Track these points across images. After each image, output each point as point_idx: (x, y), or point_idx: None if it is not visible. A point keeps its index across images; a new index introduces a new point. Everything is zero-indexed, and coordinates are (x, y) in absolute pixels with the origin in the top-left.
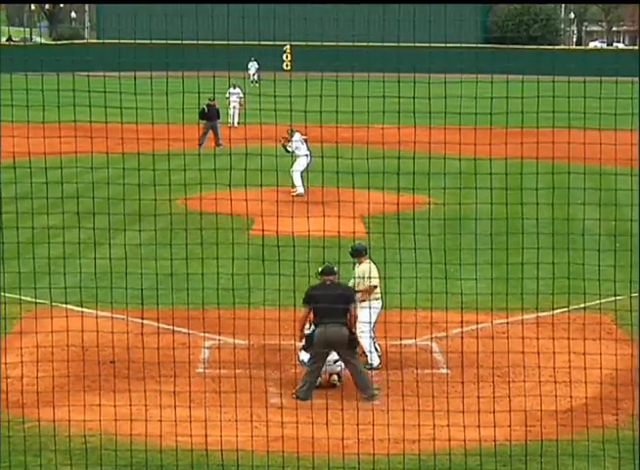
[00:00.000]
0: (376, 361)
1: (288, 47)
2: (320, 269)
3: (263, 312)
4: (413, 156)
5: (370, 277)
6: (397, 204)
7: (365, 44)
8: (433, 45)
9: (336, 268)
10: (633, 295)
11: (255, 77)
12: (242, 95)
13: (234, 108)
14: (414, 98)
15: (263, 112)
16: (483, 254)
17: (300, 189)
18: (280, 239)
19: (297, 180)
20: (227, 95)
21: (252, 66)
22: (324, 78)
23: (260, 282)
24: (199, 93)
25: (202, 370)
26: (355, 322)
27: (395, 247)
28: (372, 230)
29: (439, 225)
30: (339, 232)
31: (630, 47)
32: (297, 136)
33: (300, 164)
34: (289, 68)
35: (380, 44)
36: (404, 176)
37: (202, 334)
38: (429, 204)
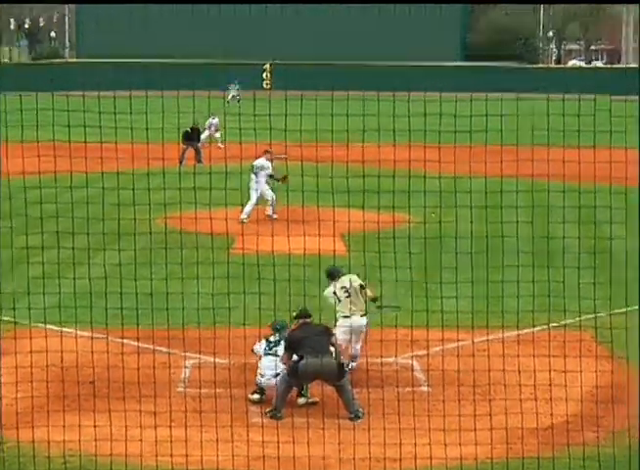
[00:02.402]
0: None
1: (268, 66)
2: (295, 314)
3: (244, 331)
4: (393, 174)
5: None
6: (378, 222)
7: (345, 62)
8: (413, 63)
9: (311, 312)
10: (613, 312)
11: (238, 96)
12: (218, 126)
13: (211, 136)
14: (394, 116)
15: (243, 131)
16: (464, 272)
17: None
18: (260, 258)
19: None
20: (207, 125)
21: (233, 87)
22: (304, 97)
23: (241, 301)
24: (178, 112)
25: (182, 390)
26: (340, 350)
27: (376, 265)
28: (352, 249)
29: (420, 244)
30: (319, 250)
31: (608, 65)
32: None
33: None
34: (268, 86)
35: (359, 63)
36: (384, 195)
37: (182, 353)
38: (409, 222)
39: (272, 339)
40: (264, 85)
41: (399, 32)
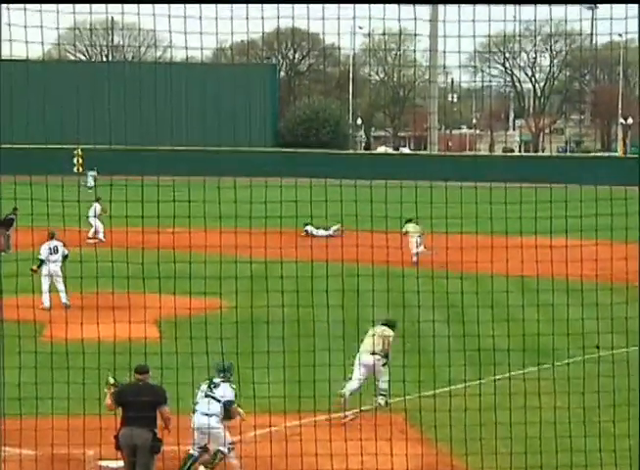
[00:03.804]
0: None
1: (79, 150)
2: (135, 368)
3: (51, 421)
4: (204, 259)
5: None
6: (189, 308)
7: (156, 148)
8: (223, 148)
9: (148, 368)
10: (422, 394)
11: (91, 184)
12: (99, 207)
13: (95, 219)
14: (204, 202)
15: (54, 216)
16: (277, 356)
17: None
18: (70, 346)
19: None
20: (90, 213)
21: (91, 173)
22: (114, 182)
23: (49, 391)
24: None
25: None
26: (168, 424)
27: (188, 352)
28: (165, 335)
29: (232, 328)
30: (129, 337)
31: (416, 151)
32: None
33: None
34: (80, 171)
35: (171, 148)
36: (196, 280)
37: None
38: (220, 307)
39: (216, 380)
40: (75, 170)
41: (211, 118)
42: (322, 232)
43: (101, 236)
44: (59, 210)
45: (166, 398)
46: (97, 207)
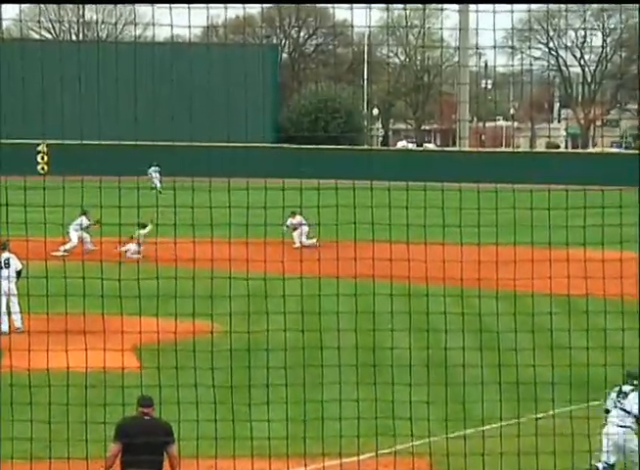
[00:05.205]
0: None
1: (44, 146)
2: (137, 400)
3: (11, 467)
4: (193, 275)
5: None
6: (175, 332)
7: (133, 143)
8: (214, 144)
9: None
10: (450, 435)
11: (158, 184)
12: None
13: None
14: (193, 207)
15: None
16: (278, 390)
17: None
18: (33, 378)
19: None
20: (78, 222)
21: (155, 171)
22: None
23: (8, 431)
24: None
25: None
26: (176, 465)
27: (173, 384)
28: (145, 364)
29: (225, 357)
30: (104, 367)
31: (442, 148)
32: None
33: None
34: (45, 170)
35: (150, 143)
36: (183, 299)
37: None
38: (212, 331)
39: (626, 388)
40: (40, 170)
41: (201, 107)
42: (305, 229)
43: (90, 246)
44: (20, 215)
45: (174, 435)
46: (83, 220)
